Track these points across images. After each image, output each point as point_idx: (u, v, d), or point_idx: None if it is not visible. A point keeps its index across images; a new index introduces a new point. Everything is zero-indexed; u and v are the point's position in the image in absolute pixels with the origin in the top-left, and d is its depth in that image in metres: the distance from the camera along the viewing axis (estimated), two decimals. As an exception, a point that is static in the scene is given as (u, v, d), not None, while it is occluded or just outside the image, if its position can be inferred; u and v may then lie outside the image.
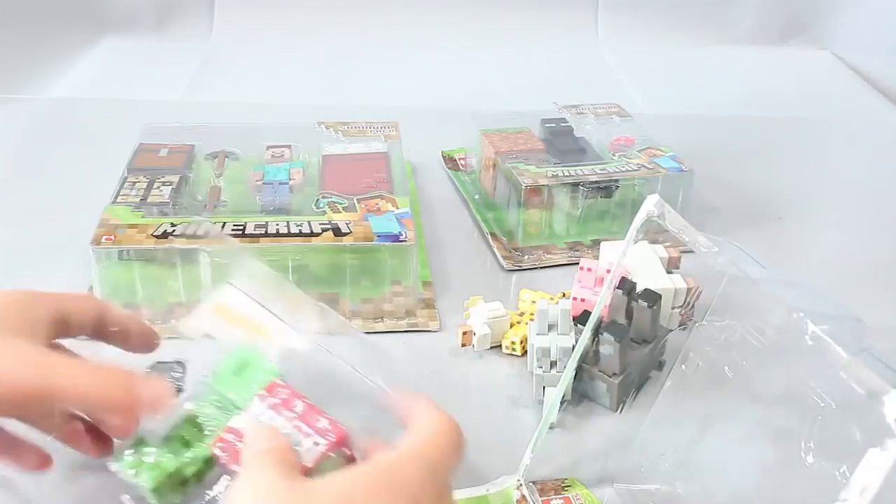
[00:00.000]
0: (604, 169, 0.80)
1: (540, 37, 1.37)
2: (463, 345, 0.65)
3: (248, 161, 0.81)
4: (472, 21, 1.37)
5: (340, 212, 0.71)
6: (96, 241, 0.65)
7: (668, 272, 0.68)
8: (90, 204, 0.71)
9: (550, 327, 0.60)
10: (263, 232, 0.67)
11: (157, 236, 0.66)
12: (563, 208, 0.79)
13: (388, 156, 0.82)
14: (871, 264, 0.80)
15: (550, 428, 0.58)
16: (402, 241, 0.67)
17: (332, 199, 0.73)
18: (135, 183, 0.74)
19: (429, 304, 0.71)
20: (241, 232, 0.67)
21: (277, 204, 0.74)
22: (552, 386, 0.59)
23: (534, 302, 0.68)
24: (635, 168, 0.80)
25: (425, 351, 0.66)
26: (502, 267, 0.77)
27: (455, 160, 0.96)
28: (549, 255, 0.78)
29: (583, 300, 0.63)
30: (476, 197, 0.88)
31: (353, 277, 0.69)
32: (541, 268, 0.77)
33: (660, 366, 0.64)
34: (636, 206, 0.80)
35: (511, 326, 0.66)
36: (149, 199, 0.71)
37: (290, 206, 0.74)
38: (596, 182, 0.78)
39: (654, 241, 0.71)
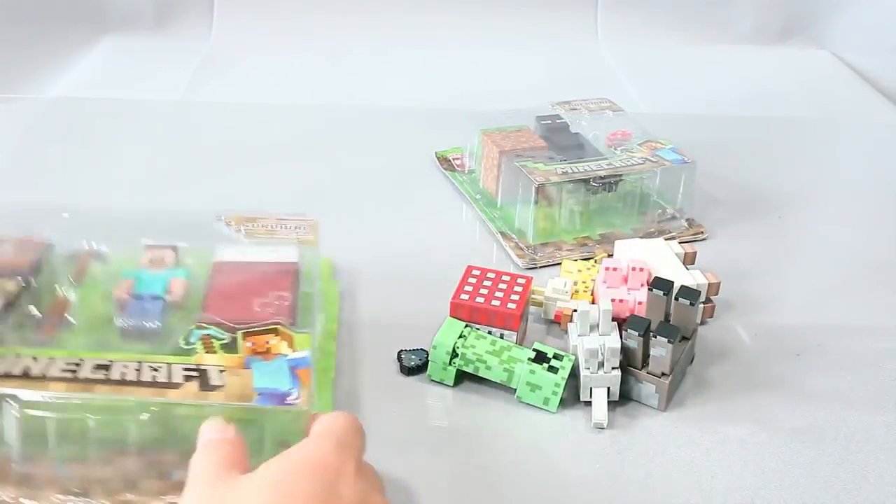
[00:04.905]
0: (610, 164, 0.80)
1: (539, 37, 1.37)
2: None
3: (119, 264, 0.61)
4: (472, 21, 1.37)
5: (216, 351, 0.53)
6: None
7: (685, 268, 0.69)
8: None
9: (592, 328, 0.60)
10: (104, 377, 0.48)
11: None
12: (569, 204, 0.80)
13: (296, 270, 0.62)
14: (871, 263, 0.80)
15: (599, 429, 0.59)
16: (288, 403, 0.49)
17: (209, 332, 0.54)
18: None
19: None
20: (71, 374, 0.48)
21: (143, 329, 0.55)
22: (599, 387, 0.59)
23: (580, 271, 0.70)
24: (640, 161, 0.81)
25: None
26: (518, 266, 0.77)
27: (449, 160, 0.95)
28: (560, 252, 0.79)
29: (622, 301, 0.63)
30: (477, 196, 0.88)
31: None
32: (555, 264, 0.77)
33: (691, 362, 0.65)
34: (638, 198, 0.82)
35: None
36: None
37: (160, 331, 0.55)
38: (606, 177, 0.79)
39: (669, 238, 0.72)
